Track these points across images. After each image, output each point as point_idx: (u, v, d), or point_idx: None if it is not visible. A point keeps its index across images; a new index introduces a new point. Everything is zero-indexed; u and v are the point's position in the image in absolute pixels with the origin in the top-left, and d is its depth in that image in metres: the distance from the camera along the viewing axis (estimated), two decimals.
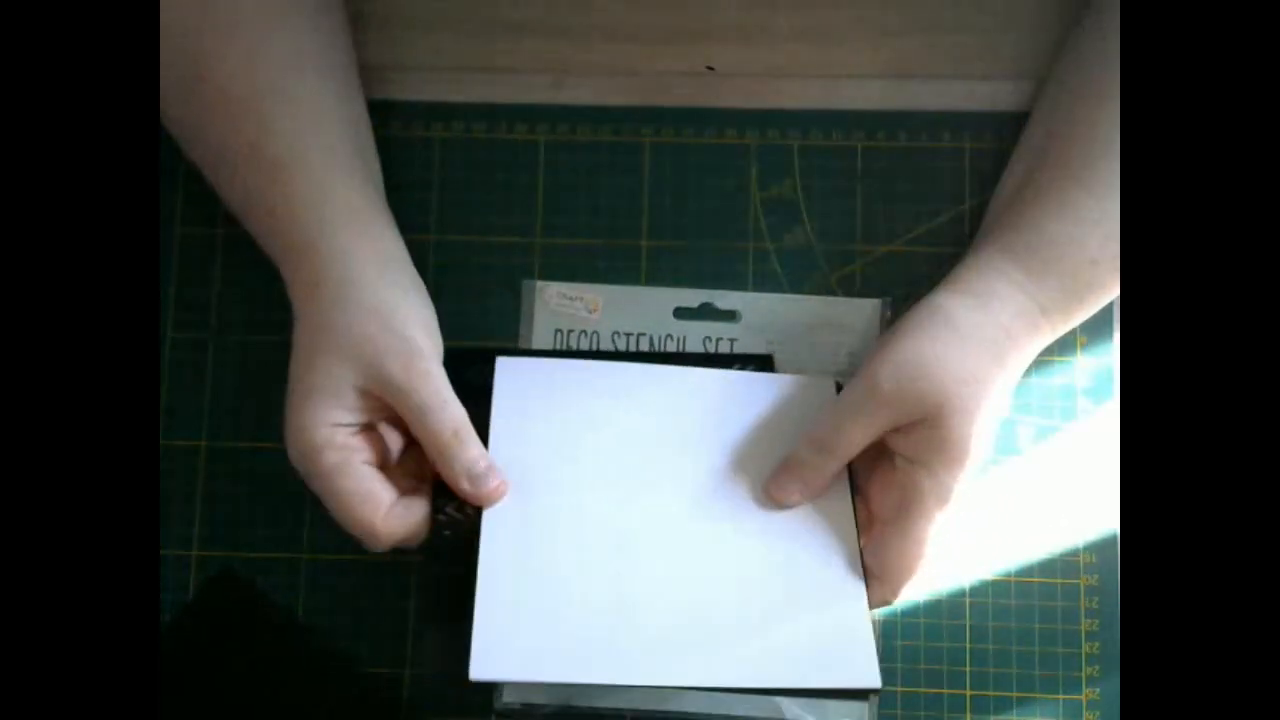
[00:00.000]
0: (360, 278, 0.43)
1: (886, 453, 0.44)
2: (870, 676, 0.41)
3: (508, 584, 0.42)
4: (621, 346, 0.49)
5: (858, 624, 0.42)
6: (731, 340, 0.49)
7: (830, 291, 0.49)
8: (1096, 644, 0.47)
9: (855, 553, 0.44)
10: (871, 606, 0.43)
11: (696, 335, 0.49)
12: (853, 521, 0.44)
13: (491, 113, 0.51)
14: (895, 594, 0.43)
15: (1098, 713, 0.46)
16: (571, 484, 0.44)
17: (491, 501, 0.43)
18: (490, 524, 0.43)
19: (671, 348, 0.49)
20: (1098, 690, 0.47)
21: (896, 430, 0.42)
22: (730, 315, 0.49)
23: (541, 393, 0.46)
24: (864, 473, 0.45)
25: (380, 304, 0.43)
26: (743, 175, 0.51)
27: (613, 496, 0.44)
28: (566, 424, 0.46)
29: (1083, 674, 0.47)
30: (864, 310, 0.49)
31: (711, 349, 0.49)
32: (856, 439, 0.43)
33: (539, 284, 0.49)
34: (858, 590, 0.43)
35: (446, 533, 0.43)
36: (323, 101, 0.45)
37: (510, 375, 0.46)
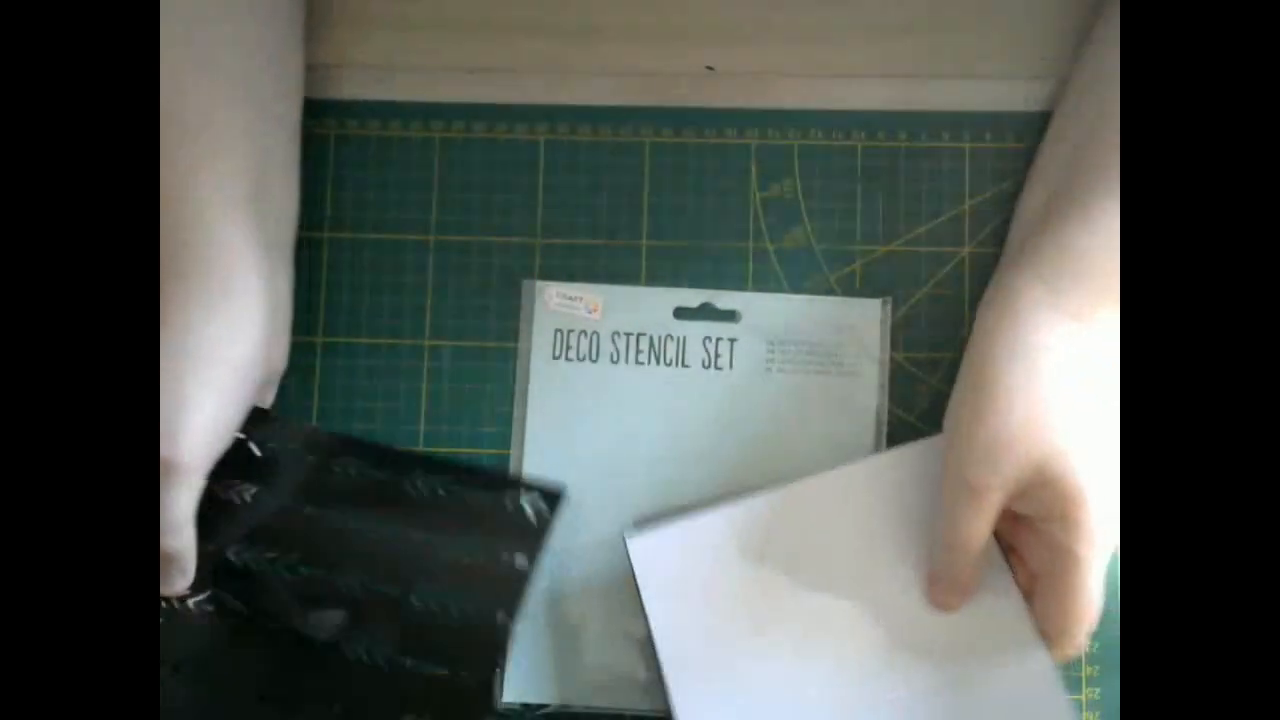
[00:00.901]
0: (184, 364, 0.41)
1: (1021, 514, 0.43)
2: None
3: None
4: (621, 347, 0.49)
5: (1053, 694, 0.43)
6: (732, 340, 0.49)
7: (830, 291, 0.49)
8: (1096, 644, 0.47)
9: (1029, 623, 0.44)
10: (1058, 663, 0.43)
11: (696, 335, 0.49)
12: (1017, 593, 0.44)
13: (491, 113, 0.51)
14: (1075, 648, 0.43)
15: (1098, 713, 0.46)
16: (745, 651, 0.44)
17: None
18: (683, 710, 0.43)
19: (672, 348, 0.49)
20: (1098, 690, 0.46)
21: (1014, 500, 0.42)
22: (730, 315, 0.49)
23: (683, 563, 0.45)
24: (1011, 535, 0.44)
25: (184, 384, 0.41)
26: (743, 175, 0.51)
27: (785, 651, 0.44)
28: (718, 589, 0.45)
29: (1083, 674, 0.47)
30: (865, 310, 0.49)
31: (712, 349, 0.49)
32: (978, 531, 0.42)
33: (539, 284, 0.49)
34: (1043, 660, 0.43)
35: (210, 607, 0.44)
36: (231, 139, 0.43)
37: (647, 555, 0.45)
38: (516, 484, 0.46)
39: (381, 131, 0.50)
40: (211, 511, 0.43)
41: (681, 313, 0.49)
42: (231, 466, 0.44)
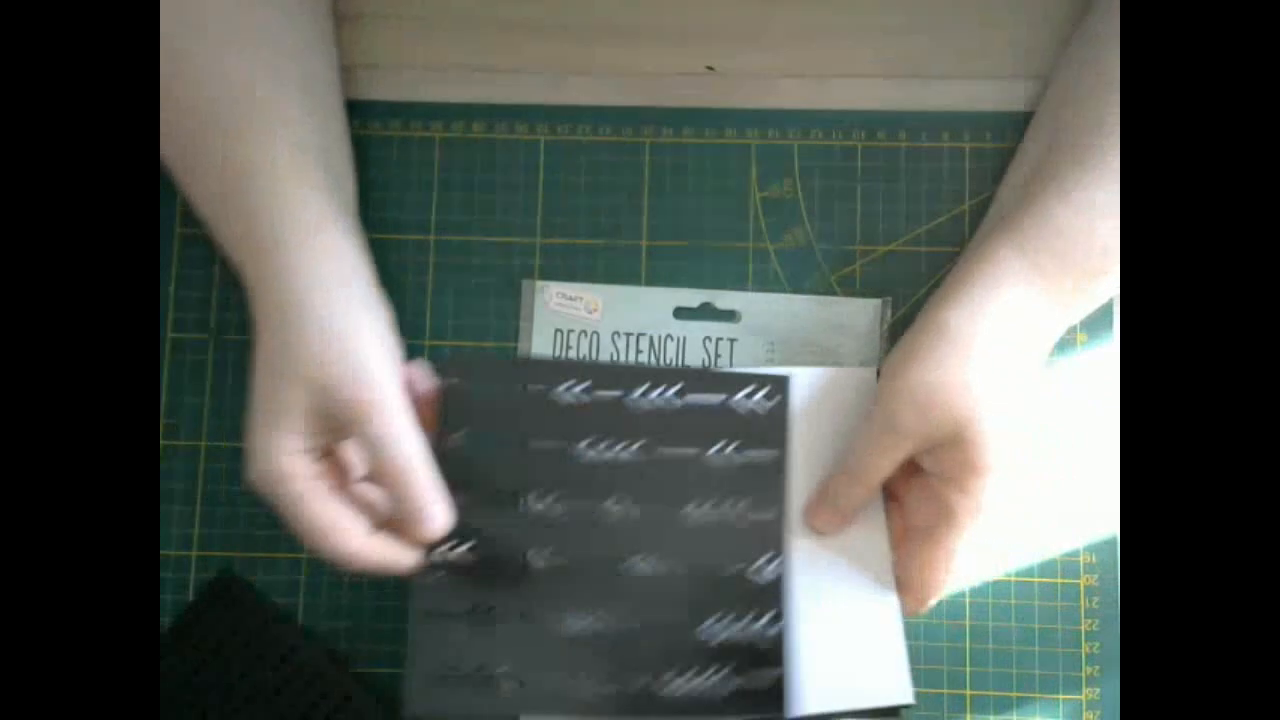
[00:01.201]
0: (317, 299, 0.41)
1: (920, 466, 0.44)
2: (903, 692, 0.42)
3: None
4: (622, 347, 0.49)
5: (891, 641, 0.43)
6: (731, 340, 0.49)
7: (830, 291, 0.49)
8: (1096, 644, 0.47)
9: (889, 568, 0.44)
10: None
11: (696, 335, 0.49)
12: (886, 538, 0.45)
13: (491, 113, 0.51)
14: (924, 605, 0.43)
15: (1098, 713, 0.46)
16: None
17: (428, 540, 0.43)
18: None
19: (671, 348, 0.49)
20: (1098, 690, 0.47)
21: (924, 452, 0.43)
22: (730, 315, 0.49)
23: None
24: (900, 484, 0.45)
25: (337, 329, 0.41)
26: (743, 175, 0.51)
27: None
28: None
29: (1083, 674, 0.47)
30: (865, 310, 0.49)
31: (712, 349, 0.49)
32: (884, 468, 0.43)
33: (539, 284, 0.49)
34: (891, 607, 0.43)
35: (441, 573, 0.43)
36: (291, 110, 0.44)
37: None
38: (740, 381, 0.46)
39: (382, 131, 0.50)
40: (442, 464, 0.43)
41: (681, 313, 0.49)
42: (450, 415, 0.44)
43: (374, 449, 0.41)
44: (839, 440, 0.45)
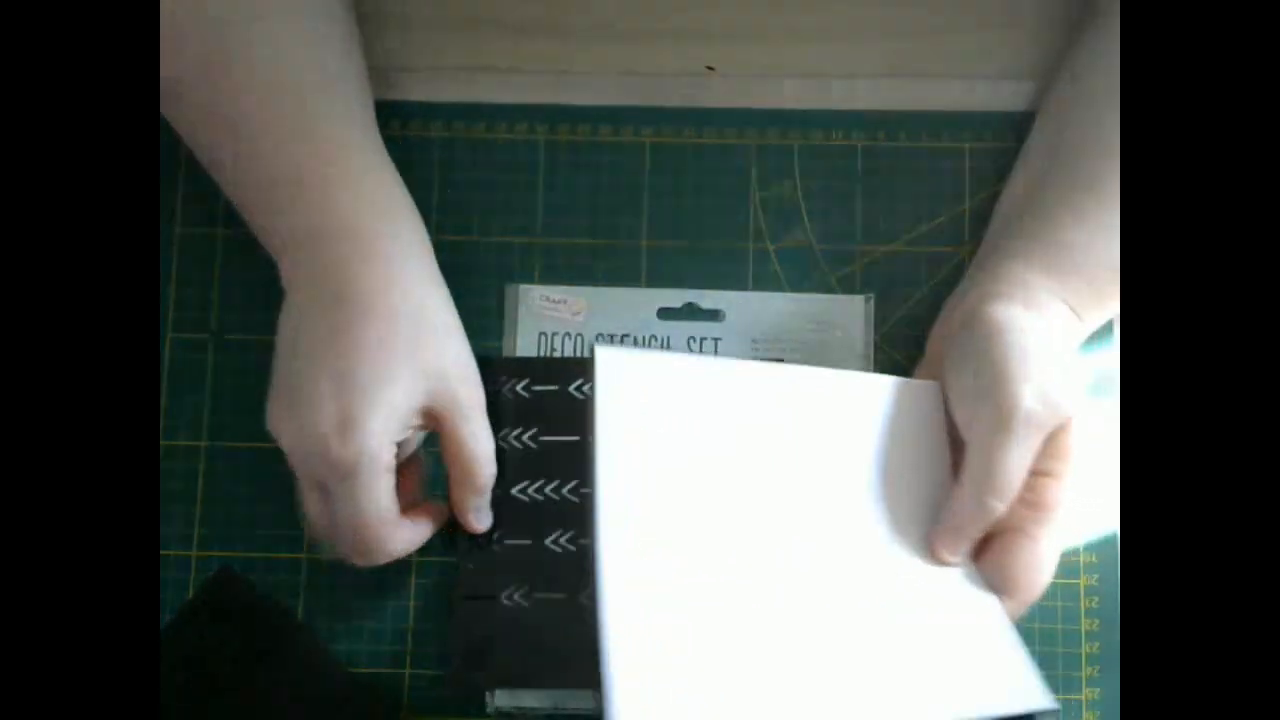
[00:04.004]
0: (431, 294, 0.43)
1: None
2: (1043, 698, 0.38)
3: (639, 623, 0.36)
4: None
5: (1009, 643, 0.40)
6: (716, 340, 0.49)
7: (831, 292, 0.49)
8: (1096, 644, 0.47)
9: (975, 572, 0.42)
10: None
11: (681, 336, 0.49)
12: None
13: (491, 113, 0.51)
14: (1026, 607, 0.41)
15: (1098, 713, 0.46)
16: (695, 508, 0.39)
17: (476, 531, 0.45)
18: (611, 554, 0.37)
19: (656, 348, 0.49)
20: (1098, 690, 0.46)
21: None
22: (714, 315, 0.49)
23: (651, 398, 0.40)
24: None
25: (449, 324, 0.43)
26: (743, 175, 0.51)
27: (737, 524, 0.40)
28: (683, 435, 0.40)
29: (1083, 674, 0.47)
30: (850, 307, 0.49)
31: (696, 349, 0.49)
32: (1023, 471, 0.40)
33: (522, 288, 0.49)
34: (995, 609, 0.40)
35: (486, 554, 0.45)
36: (349, 84, 0.46)
37: (614, 373, 0.40)
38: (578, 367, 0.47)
39: (382, 131, 0.50)
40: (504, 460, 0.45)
41: (666, 313, 0.49)
42: (508, 414, 0.46)
43: (460, 443, 0.43)
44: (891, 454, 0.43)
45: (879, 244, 0.50)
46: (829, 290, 0.49)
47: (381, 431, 0.40)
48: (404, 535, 0.43)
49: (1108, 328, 0.48)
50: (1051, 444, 0.41)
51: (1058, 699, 0.40)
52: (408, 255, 0.43)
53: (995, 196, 0.49)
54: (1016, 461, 0.40)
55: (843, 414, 0.43)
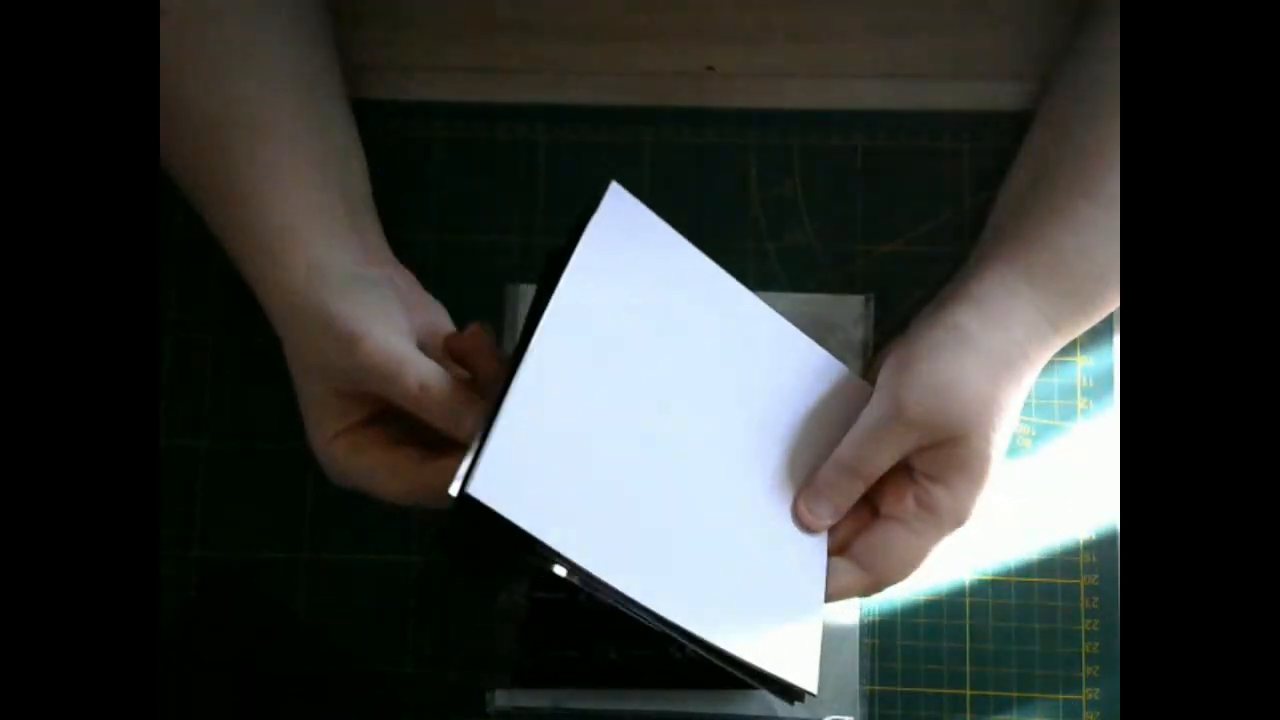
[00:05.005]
0: (312, 291, 0.42)
1: (904, 461, 0.43)
2: (808, 679, 0.40)
3: (535, 419, 0.38)
4: None
5: (810, 622, 0.41)
6: None
7: (830, 291, 0.49)
8: (1096, 644, 0.47)
9: (824, 555, 0.43)
10: (848, 594, 0.42)
11: None
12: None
13: (491, 113, 0.51)
14: (877, 590, 0.43)
15: (1098, 713, 0.46)
16: (626, 355, 0.42)
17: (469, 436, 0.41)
18: (539, 355, 0.39)
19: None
20: (1098, 690, 0.47)
21: (919, 449, 0.42)
22: None
23: (633, 244, 0.43)
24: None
25: (319, 309, 0.42)
26: (743, 175, 0.51)
27: (656, 388, 0.42)
28: (641, 294, 0.43)
29: (1083, 674, 0.47)
30: (848, 306, 0.49)
31: None
32: (884, 462, 0.42)
33: (522, 287, 0.49)
34: (817, 592, 0.42)
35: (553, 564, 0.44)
36: (286, 124, 0.45)
37: (617, 209, 0.43)
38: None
39: (382, 131, 0.50)
40: None
41: None
42: None
43: (388, 391, 0.41)
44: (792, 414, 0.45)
45: (878, 244, 0.50)
46: (828, 290, 0.49)
47: (326, 439, 0.42)
48: (434, 469, 0.41)
49: (1108, 328, 0.48)
50: (947, 454, 0.41)
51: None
52: (304, 266, 0.43)
53: (995, 197, 0.49)
54: (881, 452, 0.42)
55: (781, 362, 0.45)
